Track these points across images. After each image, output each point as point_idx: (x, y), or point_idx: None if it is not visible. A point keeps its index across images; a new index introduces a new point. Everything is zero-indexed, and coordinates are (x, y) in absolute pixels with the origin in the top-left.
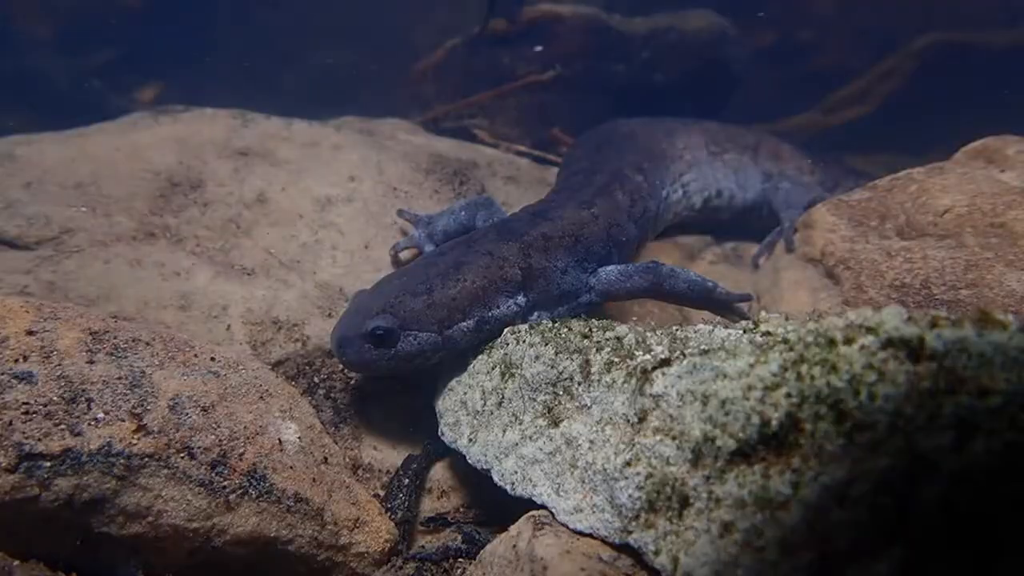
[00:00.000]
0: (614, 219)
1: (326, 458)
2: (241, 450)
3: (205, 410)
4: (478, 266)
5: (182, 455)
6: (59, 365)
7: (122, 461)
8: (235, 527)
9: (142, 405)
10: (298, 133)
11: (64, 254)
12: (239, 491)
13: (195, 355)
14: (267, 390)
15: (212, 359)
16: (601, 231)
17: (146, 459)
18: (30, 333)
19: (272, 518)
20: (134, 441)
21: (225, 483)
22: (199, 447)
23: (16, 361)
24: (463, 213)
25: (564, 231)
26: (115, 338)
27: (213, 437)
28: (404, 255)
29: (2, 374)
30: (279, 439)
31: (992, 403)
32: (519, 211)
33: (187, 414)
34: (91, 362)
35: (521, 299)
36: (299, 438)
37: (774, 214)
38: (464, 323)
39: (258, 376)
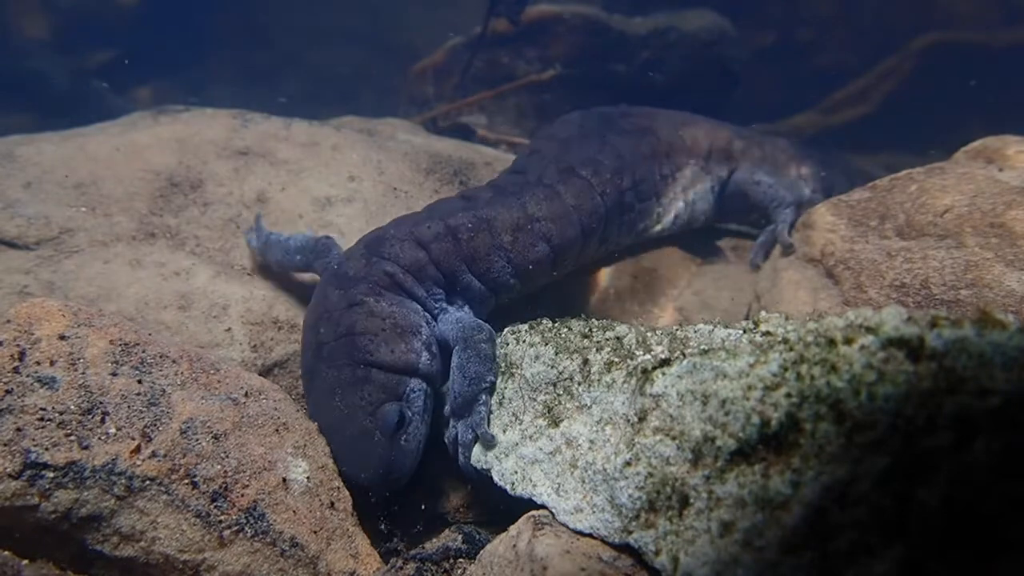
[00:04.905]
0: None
1: (332, 503)
2: (245, 484)
3: (216, 438)
4: None
5: (184, 482)
6: (83, 374)
7: (123, 481)
8: (225, 564)
9: (154, 425)
10: (298, 133)
11: (64, 254)
12: (235, 527)
13: (219, 379)
14: (284, 423)
15: (236, 384)
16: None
17: (147, 482)
18: (62, 338)
19: (264, 560)
20: (138, 462)
21: (222, 517)
22: (202, 476)
23: (42, 364)
24: (298, 257)
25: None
26: (143, 352)
27: (219, 467)
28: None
29: (27, 376)
30: (284, 477)
31: (992, 403)
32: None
33: (197, 439)
34: (114, 374)
35: None
36: (307, 478)
37: (757, 210)
38: None
39: (278, 408)
